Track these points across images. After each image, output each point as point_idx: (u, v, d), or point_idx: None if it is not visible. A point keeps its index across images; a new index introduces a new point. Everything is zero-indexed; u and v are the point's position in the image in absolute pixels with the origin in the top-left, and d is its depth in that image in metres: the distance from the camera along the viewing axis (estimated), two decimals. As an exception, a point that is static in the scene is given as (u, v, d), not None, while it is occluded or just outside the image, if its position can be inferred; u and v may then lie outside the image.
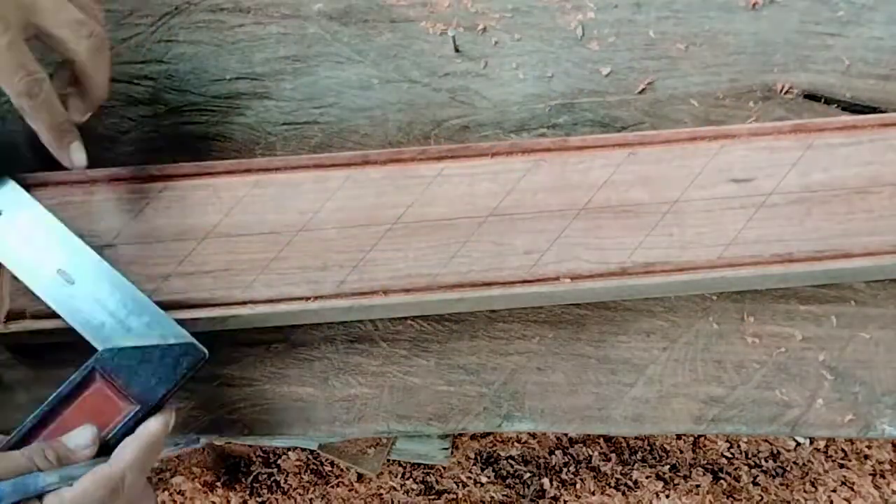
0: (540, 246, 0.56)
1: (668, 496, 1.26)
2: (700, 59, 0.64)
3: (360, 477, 1.28)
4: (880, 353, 0.59)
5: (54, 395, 0.51)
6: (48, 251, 0.54)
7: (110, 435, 0.50)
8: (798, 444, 1.29)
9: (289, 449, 1.29)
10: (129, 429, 0.50)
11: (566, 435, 1.29)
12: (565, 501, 1.27)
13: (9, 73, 0.47)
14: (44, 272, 0.54)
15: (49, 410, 0.50)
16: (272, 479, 1.28)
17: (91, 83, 0.52)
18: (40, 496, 0.45)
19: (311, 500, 1.27)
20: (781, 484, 1.27)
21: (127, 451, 0.47)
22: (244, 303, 0.55)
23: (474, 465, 1.29)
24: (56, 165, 0.60)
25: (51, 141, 0.52)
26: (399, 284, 0.55)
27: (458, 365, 0.59)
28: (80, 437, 0.48)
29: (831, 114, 0.63)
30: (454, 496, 1.27)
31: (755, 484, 1.27)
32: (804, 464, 1.28)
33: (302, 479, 1.28)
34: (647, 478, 1.28)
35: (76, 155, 0.53)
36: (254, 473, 1.29)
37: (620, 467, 1.28)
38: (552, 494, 1.27)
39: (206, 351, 0.53)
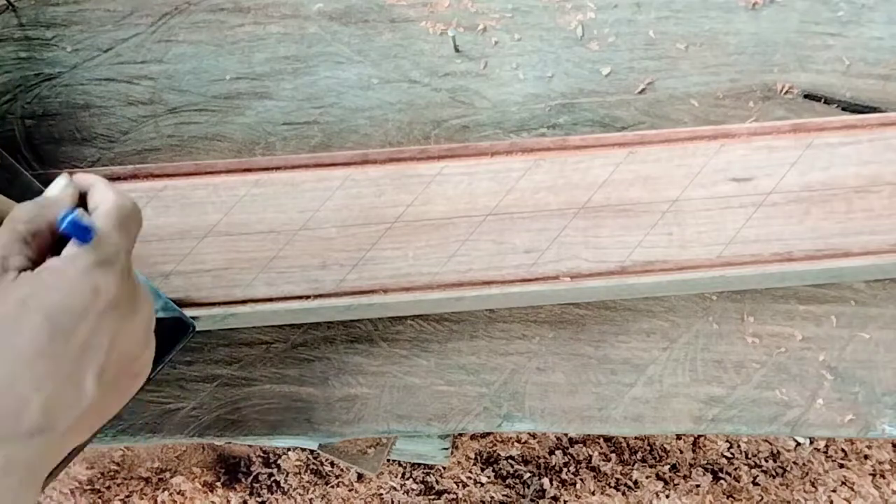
0: (539, 245, 0.56)
1: (668, 496, 1.26)
2: (700, 59, 0.64)
3: (360, 477, 1.28)
4: (880, 353, 0.59)
5: None
6: None
7: None
8: (798, 444, 1.29)
9: (289, 449, 1.29)
10: None
11: (566, 435, 1.29)
12: (565, 501, 1.26)
13: None
14: None
15: None
16: (272, 479, 1.28)
17: None
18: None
19: (311, 500, 1.27)
20: (781, 484, 1.27)
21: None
22: (244, 301, 0.55)
23: (474, 465, 1.29)
24: (55, 165, 0.61)
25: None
26: (399, 283, 0.55)
27: (458, 365, 0.59)
28: (54, 186, 0.45)
29: (831, 114, 0.63)
30: (454, 496, 1.27)
31: (755, 484, 1.27)
32: (804, 464, 1.28)
33: (302, 479, 1.28)
34: (647, 478, 1.28)
35: None
36: (254, 473, 1.29)
37: (620, 467, 1.28)
38: (552, 494, 1.27)
39: (194, 324, 0.53)
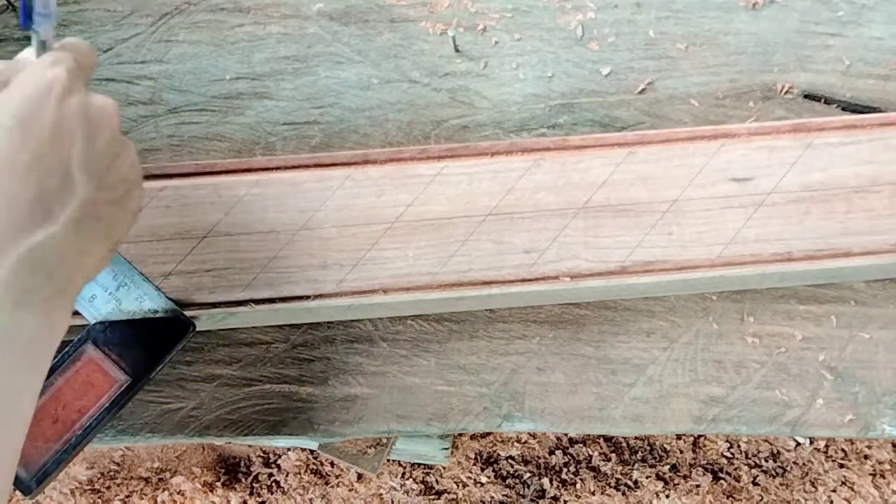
0: (539, 245, 0.56)
1: (668, 496, 1.26)
2: (700, 59, 0.64)
3: (360, 477, 1.28)
4: (880, 353, 0.59)
5: None
6: None
7: (103, 407, 0.51)
8: (798, 444, 1.29)
9: (289, 449, 1.29)
10: (120, 401, 0.51)
11: (566, 435, 1.29)
12: (565, 501, 1.27)
13: None
14: None
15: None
16: (272, 479, 1.28)
17: None
18: None
19: (311, 500, 1.27)
20: (781, 484, 1.27)
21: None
22: (244, 302, 0.55)
23: (474, 465, 1.29)
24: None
25: None
26: (399, 283, 0.55)
27: (458, 365, 0.59)
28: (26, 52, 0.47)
29: (831, 114, 0.63)
30: (454, 496, 1.27)
31: (755, 484, 1.27)
32: (804, 464, 1.28)
33: (302, 479, 1.28)
34: (647, 478, 1.28)
35: None
36: (254, 473, 1.29)
37: (620, 467, 1.28)
38: (552, 494, 1.27)
39: (194, 323, 0.54)
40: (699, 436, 1.30)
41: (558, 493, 1.27)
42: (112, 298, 0.53)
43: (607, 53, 0.65)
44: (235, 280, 0.55)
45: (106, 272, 0.54)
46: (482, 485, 1.28)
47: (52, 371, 0.52)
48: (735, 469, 1.28)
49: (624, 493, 1.27)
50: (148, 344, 0.53)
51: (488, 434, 1.29)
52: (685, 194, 0.57)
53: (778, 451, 1.29)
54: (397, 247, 0.56)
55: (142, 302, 0.54)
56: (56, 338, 0.42)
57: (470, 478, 1.28)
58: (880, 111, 0.62)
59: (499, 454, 1.30)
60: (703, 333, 0.60)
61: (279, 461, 1.29)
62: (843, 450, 1.28)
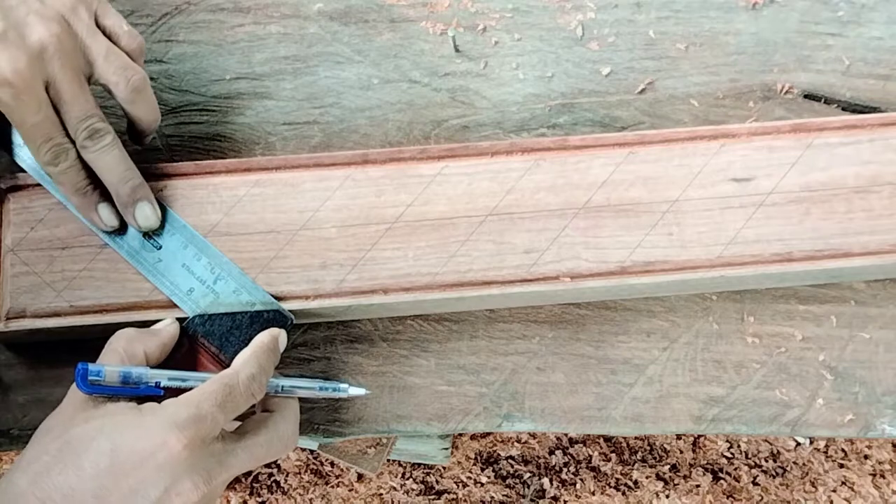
0: (539, 245, 0.56)
1: (668, 496, 1.26)
2: (700, 59, 0.65)
3: (360, 477, 1.28)
4: (880, 353, 0.59)
5: None
6: None
7: None
8: (798, 444, 1.29)
9: (289, 449, 1.29)
10: None
11: (566, 435, 1.29)
12: (565, 501, 1.27)
13: (37, 145, 0.52)
14: (131, 237, 0.55)
15: None
16: (272, 479, 1.28)
17: (134, 117, 0.55)
18: (155, 396, 0.47)
19: (311, 500, 1.27)
20: (781, 484, 1.27)
21: (239, 358, 0.50)
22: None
23: (474, 465, 1.29)
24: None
25: (76, 204, 0.54)
26: (399, 283, 0.55)
27: (458, 365, 0.59)
28: (161, 323, 0.52)
29: (831, 114, 0.63)
30: (454, 496, 1.27)
31: (755, 484, 1.27)
32: (804, 464, 1.28)
33: (302, 479, 1.28)
34: (647, 478, 1.28)
35: (103, 213, 0.54)
36: (254, 473, 1.29)
37: (620, 467, 1.28)
38: (552, 494, 1.27)
39: (292, 317, 0.54)
40: (699, 436, 1.30)
41: (558, 493, 1.27)
42: (210, 291, 0.54)
43: (607, 53, 0.65)
44: (235, 280, 0.55)
45: (203, 266, 0.54)
46: (482, 485, 1.28)
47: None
48: (735, 469, 1.28)
49: (624, 493, 1.27)
50: (247, 336, 0.53)
51: (488, 434, 1.29)
52: (685, 194, 0.57)
53: (778, 451, 1.29)
54: (397, 247, 0.56)
55: (239, 295, 0.54)
56: None
57: (470, 478, 1.28)
58: (880, 111, 0.62)
59: (499, 454, 1.30)
60: (703, 333, 0.60)
61: (279, 461, 1.29)
62: (843, 450, 1.28)
